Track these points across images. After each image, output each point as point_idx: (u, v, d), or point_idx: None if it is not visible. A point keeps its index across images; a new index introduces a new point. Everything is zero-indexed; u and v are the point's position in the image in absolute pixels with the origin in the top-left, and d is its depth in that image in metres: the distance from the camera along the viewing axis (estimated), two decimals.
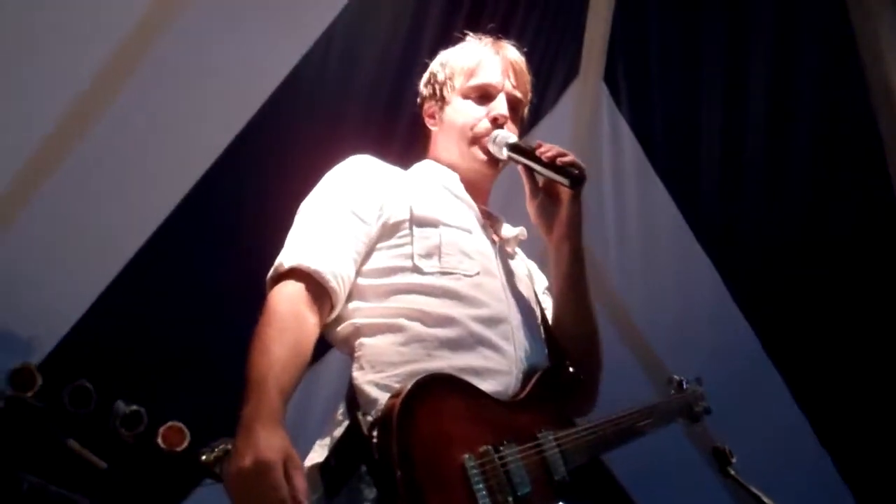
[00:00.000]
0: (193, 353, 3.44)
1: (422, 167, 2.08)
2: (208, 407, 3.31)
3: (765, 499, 2.22)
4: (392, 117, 3.58)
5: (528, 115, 2.20)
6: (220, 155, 3.40)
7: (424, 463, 1.49)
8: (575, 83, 4.22)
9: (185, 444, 3.29)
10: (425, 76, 2.16)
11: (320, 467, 1.63)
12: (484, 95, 2.05)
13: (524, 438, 1.66)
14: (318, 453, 1.68)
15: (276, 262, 1.75)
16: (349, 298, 1.79)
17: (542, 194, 2.01)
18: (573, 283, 1.97)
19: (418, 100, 2.17)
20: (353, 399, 1.67)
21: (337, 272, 1.73)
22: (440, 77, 2.10)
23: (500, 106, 2.03)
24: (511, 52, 2.11)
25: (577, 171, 1.88)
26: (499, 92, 2.04)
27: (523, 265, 2.10)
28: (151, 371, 3.41)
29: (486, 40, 2.13)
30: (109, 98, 3.18)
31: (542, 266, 2.16)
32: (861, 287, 4.11)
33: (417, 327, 1.73)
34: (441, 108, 2.08)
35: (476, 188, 2.03)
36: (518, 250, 2.11)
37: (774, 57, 4.05)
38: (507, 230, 2.08)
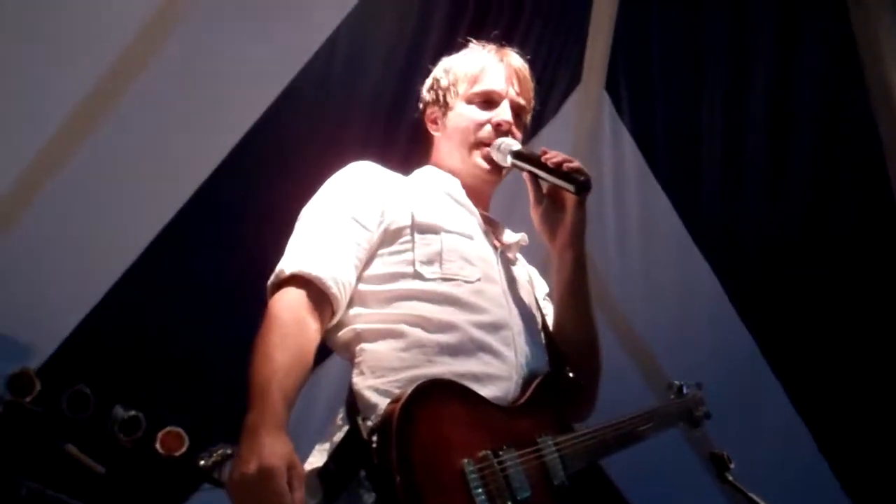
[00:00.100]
0: (192, 359, 3.44)
1: (423, 173, 2.08)
2: (207, 412, 3.31)
3: None
4: (395, 123, 3.59)
5: (530, 122, 2.20)
6: (223, 160, 3.40)
7: (424, 468, 1.49)
8: (577, 91, 4.24)
9: (184, 449, 3.29)
10: (428, 81, 2.16)
11: (319, 472, 1.63)
12: (488, 102, 2.04)
13: (524, 443, 1.66)
14: (317, 458, 1.68)
15: (278, 269, 1.75)
16: (350, 304, 1.79)
17: (547, 201, 2.00)
18: (575, 289, 1.97)
19: (420, 105, 2.17)
20: (353, 404, 1.68)
21: (338, 278, 1.73)
22: (443, 83, 2.09)
23: (503, 112, 2.03)
24: (515, 60, 2.11)
25: (582, 178, 1.88)
26: (503, 99, 2.04)
27: (524, 271, 2.10)
28: (150, 376, 3.40)
29: (490, 47, 2.13)
30: (113, 101, 3.19)
31: (544, 272, 2.16)
32: (859, 292, 4.12)
33: (418, 333, 1.73)
34: (444, 114, 2.08)
35: (477, 194, 2.03)
36: (519, 256, 2.11)
37: (775, 66, 4.06)
38: (509, 236, 2.08)
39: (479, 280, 1.83)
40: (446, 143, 2.07)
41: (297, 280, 1.70)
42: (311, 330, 1.67)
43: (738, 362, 4.25)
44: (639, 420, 1.99)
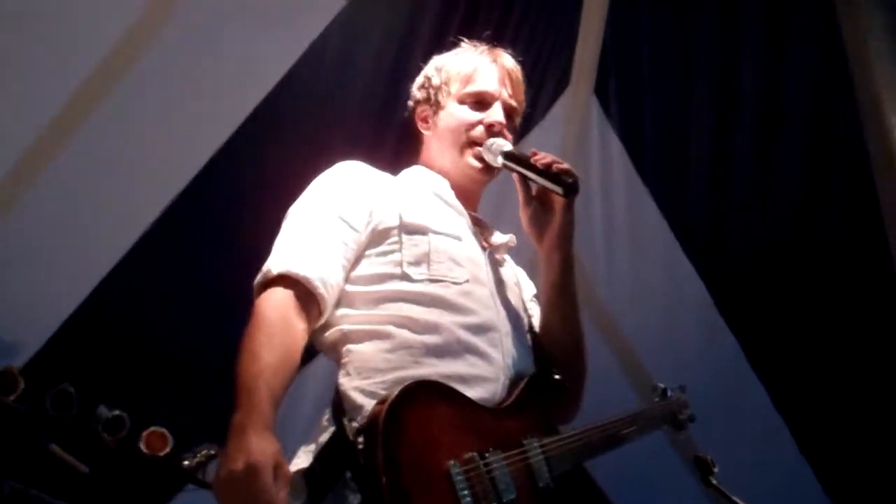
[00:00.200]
0: (177, 359, 3.43)
1: (412, 173, 2.07)
2: (191, 412, 3.30)
3: None
4: (384, 122, 3.58)
5: (519, 124, 2.21)
6: (211, 158, 3.40)
7: (410, 469, 1.49)
8: (565, 94, 4.25)
9: (168, 449, 3.27)
10: (419, 80, 2.15)
11: (305, 473, 1.62)
12: (480, 102, 2.04)
13: (509, 445, 1.66)
14: (302, 459, 1.67)
15: (265, 268, 1.74)
16: (337, 305, 1.79)
17: (536, 203, 2.01)
18: (562, 291, 1.97)
19: (410, 103, 2.16)
20: (339, 405, 1.67)
21: (325, 278, 1.73)
22: (435, 81, 2.09)
23: (496, 113, 2.03)
24: (507, 61, 2.11)
25: (571, 180, 1.88)
26: (495, 100, 2.04)
27: (512, 272, 2.10)
28: (134, 376, 3.39)
29: (482, 47, 2.13)
30: (97, 102, 3.17)
31: (531, 273, 2.17)
32: (844, 295, 4.15)
33: (405, 334, 1.73)
34: (435, 113, 2.07)
35: (466, 194, 2.03)
36: (507, 257, 2.11)
37: (764, 70, 4.09)
38: (497, 237, 2.08)
39: (466, 281, 1.83)
40: (437, 143, 2.06)
41: (285, 280, 1.70)
42: (298, 330, 1.67)
43: (722, 365, 4.28)
44: (623, 422, 1.99)
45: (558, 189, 1.89)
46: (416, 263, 1.80)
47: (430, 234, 1.84)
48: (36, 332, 3.27)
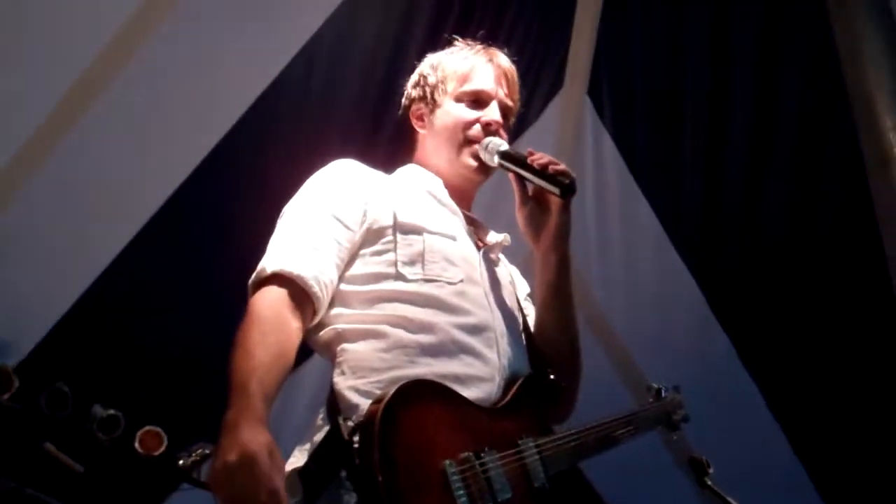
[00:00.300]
0: (172, 358, 3.43)
1: (406, 171, 2.07)
2: (186, 412, 3.30)
3: None
4: (378, 122, 3.59)
5: (513, 125, 2.21)
6: (205, 158, 3.40)
7: (406, 469, 1.49)
8: (559, 95, 4.26)
9: (163, 448, 3.27)
10: (414, 77, 2.14)
11: (300, 472, 1.62)
12: (477, 101, 2.04)
13: (505, 445, 1.66)
14: (297, 458, 1.68)
15: (259, 267, 1.74)
16: (331, 304, 1.78)
17: (532, 203, 2.01)
18: (558, 291, 1.98)
19: (404, 101, 2.14)
20: (334, 404, 1.67)
21: (320, 277, 1.72)
22: (431, 79, 2.08)
23: (493, 113, 2.03)
24: (504, 61, 2.11)
25: (567, 181, 1.88)
26: (492, 99, 2.04)
27: (506, 272, 2.10)
28: (129, 375, 3.39)
29: (478, 46, 2.13)
30: (86, 102, 3.17)
31: (524, 272, 2.17)
32: (837, 297, 4.16)
33: (400, 334, 1.73)
34: (431, 111, 2.06)
35: (461, 193, 2.03)
36: (501, 256, 2.10)
37: (757, 71, 4.10)
38: (492, 236, 2.08)
39: (461, 281, 1.83)
40: (432, 141, 2.06)
41: (279, 279, 1.70)
42: (292, 328, 1.67)
43: (715, 365, 4.29)
44: (618, 423, 1.99)
45: (555, 189, 1.89)
46: (411, 263, 1.80)
47: (425, 234, 1.84)
48: (30, 330, 3.27)
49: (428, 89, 2.08)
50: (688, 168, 4.28)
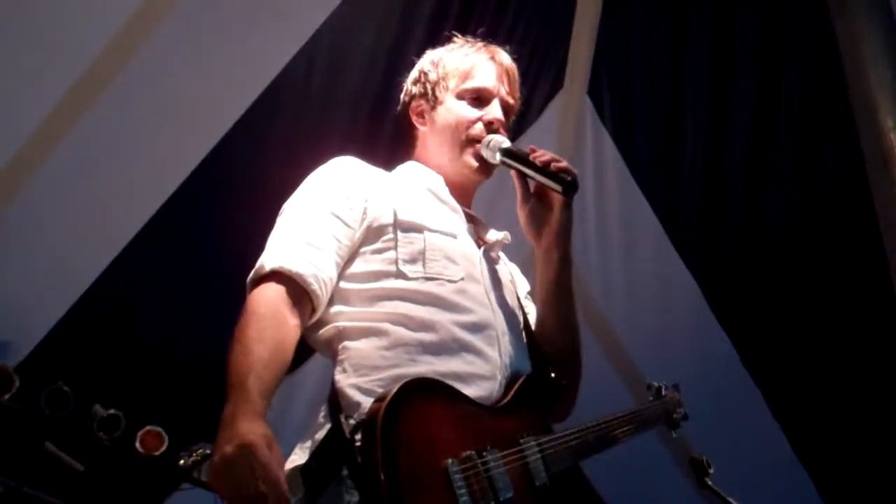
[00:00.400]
0: (172, 358, 3.43)
1: (406, 169, 2.06)
2: (187, 411, 3.30)
3: None
4: (378, 119, 3.59)
5: (513, 124, 2.21)
6: (204, 158, 3.40)
7: (407, 467, 1.48)
8: (559, 95, 4.27)
9: (163, 448, 3.28)
10: (414, 73, 2.13)
11: (301, 470, 1.62)
12: (478, 99, 2.03)
13: (507, 444, 1.66)
14: (298, 456, 1.67)
15: (258, 264, 1.74)
16: (332, 302, 1.78)
17: (534, 200, 2.00)
18: (559, 289, 1.97)
19: (404, 97, 2.13)
20: (336, 402, 1.67)
21: (319, 275, 1.72)
22: (432, 76, 2.07)
23: (495, 110, 2.02)
24: (505, 58, 2.11)
25: (570, 178, 1.88)
26: (494, 97, 2.04)
27: (507, 269, 2.09)
28: (130, 375, 3.39)
29: (478, 44, 2.12)
30: (90, 99, 3.17)
31: (524, 270, 2.17)
32: (838, 298, 4.16)
33: (401, 332, 1.72)
34: (432, 108, 2.05)
35: (462, 191, 2.02)
36: (501, 254, 2.10)
37: (758, 72, 4.10)
38: (492, 234, 2.07)
39: (462, 279, 1.82)
40: (433, 139, 2.05)
41: (277, 276, 1.70)
42: (291, 325, 1.66)
43: (715, 365, 4.29)
44: (619, 421, 1.98)
45: (557, 187, 1.89)
46: (412, 261, 1.80)
47: (426, 232, 1.84)
48: (31, 330, 3.27)
49: (429, 86, 2.06)
50: (688, 168, 4.28)
